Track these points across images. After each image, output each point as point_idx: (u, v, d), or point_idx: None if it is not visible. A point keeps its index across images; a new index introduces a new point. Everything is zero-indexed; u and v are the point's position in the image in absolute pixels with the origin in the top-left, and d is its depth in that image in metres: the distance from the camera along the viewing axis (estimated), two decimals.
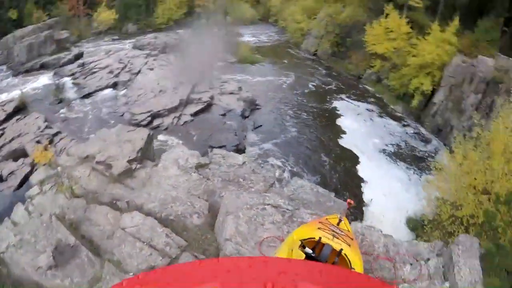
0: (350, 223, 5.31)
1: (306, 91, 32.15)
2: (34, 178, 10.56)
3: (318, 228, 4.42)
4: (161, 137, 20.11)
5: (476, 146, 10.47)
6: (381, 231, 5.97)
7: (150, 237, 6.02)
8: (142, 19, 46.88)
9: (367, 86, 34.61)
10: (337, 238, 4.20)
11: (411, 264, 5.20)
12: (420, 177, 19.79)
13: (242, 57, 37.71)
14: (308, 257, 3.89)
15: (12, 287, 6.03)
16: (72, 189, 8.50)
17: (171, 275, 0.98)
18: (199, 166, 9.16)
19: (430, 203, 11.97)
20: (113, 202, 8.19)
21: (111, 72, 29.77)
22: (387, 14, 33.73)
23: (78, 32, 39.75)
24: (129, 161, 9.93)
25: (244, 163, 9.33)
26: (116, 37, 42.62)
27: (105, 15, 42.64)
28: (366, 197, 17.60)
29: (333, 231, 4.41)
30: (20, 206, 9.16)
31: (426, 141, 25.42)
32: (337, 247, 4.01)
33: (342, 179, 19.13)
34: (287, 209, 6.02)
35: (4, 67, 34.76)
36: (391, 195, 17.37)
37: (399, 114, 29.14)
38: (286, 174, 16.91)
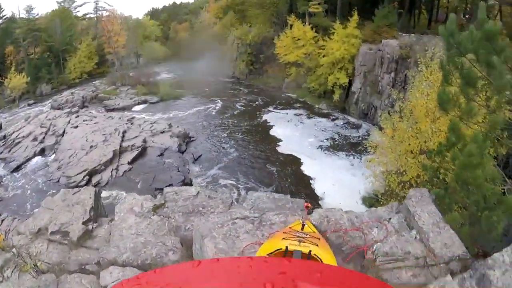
0: (314, 224, 5.50)
1: (235, 112, 32.92)
2: None
3: (283, 238, 4.39)
4: (104, 193, 19.32)
5: (402, 117, 11.61)
6: (342, 209, 6.37)
7: None
8: (54, 78, 45.06)
9: (289, 94, 36.45)
10: (304, 242, 4.21)
11: (377, 227, 5.69)
12: (361, 159, 21.08)
13: (164, 95, 37.74)
14: None
15: None
16: (37, 266, 8.02)
17: (170, 275, 0.99)
18: (156, 208, 8.91)
19: (378, 178, 12.87)
20: (82, 267, 7.83)
21: (35, 138, 28.20)
22: (291, 25, 36.00)
23: None
24: (84, 223, 9.40)
25: (198, 193, 9.19)
26: (32, 101, 40.58)
27: (16, 80, 40.31)
28: (318, 192, 18.37)
29: (298, 236, 4.42)
30: None
31: (356, 127, 27.26)
32: (305, 250, 4.00)
33: (292, 182, 19.83)
34: (255, 217, 6.01)
35: None
36: (340, 183, 18.34)
37: (325, 111, 30.98)
38: (241, 192, 17.20)
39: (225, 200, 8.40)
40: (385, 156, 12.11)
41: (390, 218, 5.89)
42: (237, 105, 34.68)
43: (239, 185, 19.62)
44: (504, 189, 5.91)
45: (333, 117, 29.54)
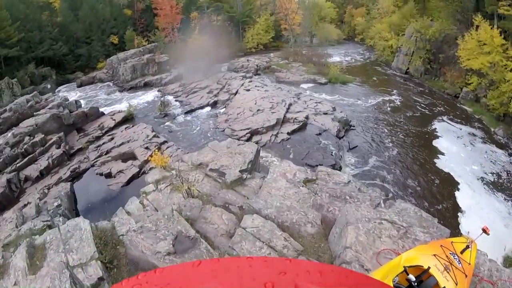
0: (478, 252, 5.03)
1: (400, 110, 31.15)
2: (150, 178, 11.52)
3: (434, 255, 4.04)
4: (261, 153, 20.91)
5: None
6: (487, 255, 5.87)
7: (270, 238, 6.38)
8: (233, 45, 49.87)
9: (464, 106, 32.40)
10: (448, 272, 3.83)
11: None
12: None
13: (333, 77, 37.88)
14: (410, 285, 3.65)
15: (127, 265, 6.55)
16: (190, 189, 9.32)
17: (170, 275, 0.99)
18: (307, 181, 9.21)
19: None
20: (225, 205, 8.65)
21: (210, 92, 32.31)
22: (477, 26, 31.26)
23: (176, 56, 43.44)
24: (241, 171, 10.40)
25: (349, 181, 9.16)
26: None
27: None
28: (463, 228, 16.36)
29: (450, 261, 4.01)
30: (135, 199, 10.33)
31: None
32: (442, 282, 3.67)
33: (441, 203, 18.21)
34: (402, 226, 5.97)
35: (110, 84, 40.32)
36: (489, 229, 15.93)
37: (501, 139, 26.49)
38: (390, 196, 16.86)
39: (373, 199, 8.42)
40: None
41: None
42: (404, 103, 32.69)
43: (387, 187, 18.93)
44: None
45: (510, 150, 25.25)
